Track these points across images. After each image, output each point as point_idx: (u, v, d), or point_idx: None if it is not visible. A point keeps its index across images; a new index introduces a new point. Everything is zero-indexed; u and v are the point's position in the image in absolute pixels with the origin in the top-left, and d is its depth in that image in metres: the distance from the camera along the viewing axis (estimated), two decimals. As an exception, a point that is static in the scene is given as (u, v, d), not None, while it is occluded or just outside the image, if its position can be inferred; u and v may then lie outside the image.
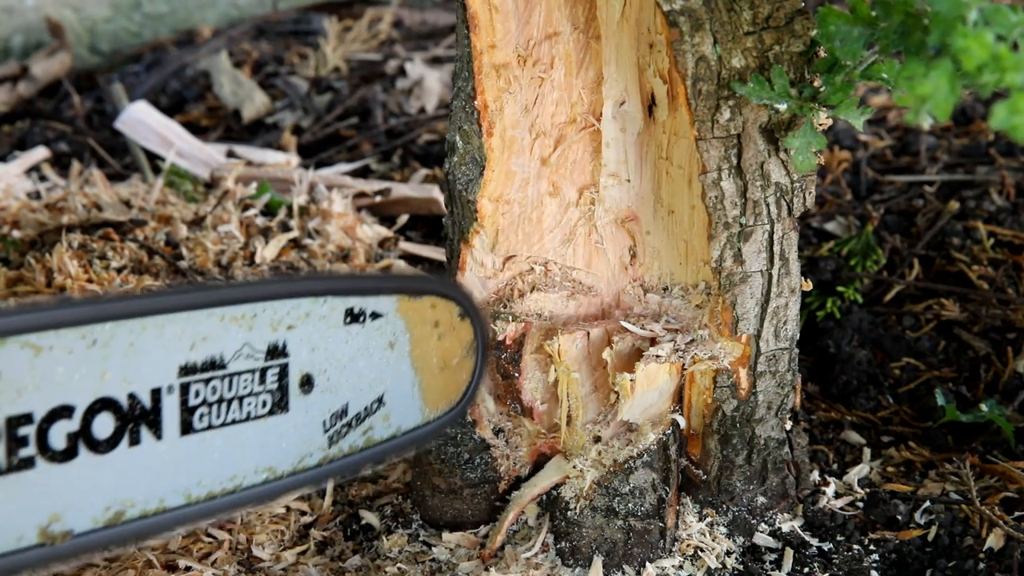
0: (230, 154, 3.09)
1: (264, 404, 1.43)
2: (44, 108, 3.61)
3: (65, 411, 1.25)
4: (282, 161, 3.06)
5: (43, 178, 2.98)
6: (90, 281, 2.22)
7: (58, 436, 1.25)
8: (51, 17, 3.93)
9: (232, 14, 4.28)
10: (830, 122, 1.63)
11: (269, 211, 2.67)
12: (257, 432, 1.43)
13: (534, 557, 1.76)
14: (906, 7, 1.34)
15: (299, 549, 1.86)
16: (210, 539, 1.86)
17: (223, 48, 3.88)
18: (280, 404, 1.46)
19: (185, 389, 1.35)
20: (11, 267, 2.38)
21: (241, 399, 1.41)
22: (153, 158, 3.10)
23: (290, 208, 2.65)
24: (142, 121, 3.10)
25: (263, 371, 1.43)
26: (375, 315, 1.55)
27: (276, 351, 1.44)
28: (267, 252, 2.46)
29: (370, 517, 1.90)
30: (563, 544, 1.77)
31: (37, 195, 2.83)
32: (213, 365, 1.37)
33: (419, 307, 1.61)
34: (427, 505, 1.87)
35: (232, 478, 1.41)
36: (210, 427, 1.38)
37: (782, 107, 1.54)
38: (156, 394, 1.32)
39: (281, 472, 1.46)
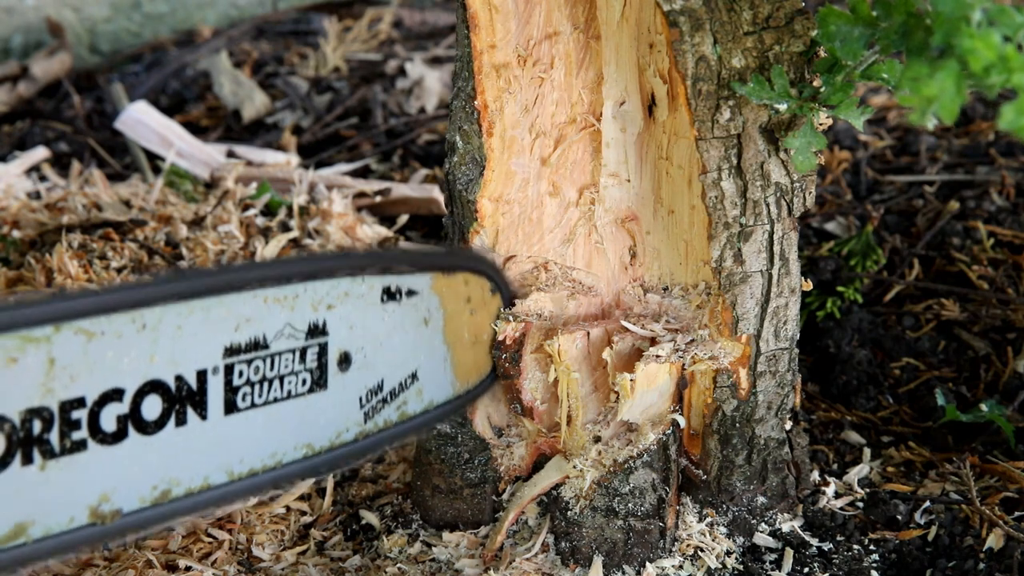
0: (230, 154, 3.09)
1: (304, 382, 1.46)
2: (44, 108, 3.61)
3: (116, 394, 1.27)
4: (282, 161, 3.06)
5: (43, 178, 2.98)
6: (90, 281, 2.22)
7: (109, 419, 1.27)
8: (51, 17, 3.93)
9: (232, 14, 4.28)
10: (830, 122, 1.63)
11: (269, 211, 2.67)
12: (297, 409, 1.46)
13: (534, 557, 1.76)
14: (907, 7, 1.34)
15: (299, 549, 1.86)
16: (210, 539, 1.86)
17: (223, 48, 3.88)
18: (319, 382, 1.48)
19: (229, 370, 1.37)
20: (11, 267, 2.38)
21: (282, 378, 1.43)
22: (153, 158, 3.10)
23: (290, 208, 2.65)
24: (142, 121, 3.10)
25: (303, 350, 1.45)
26: (411, 292, 1.57)
27: (316, 330, 1.46)
28: (267, 252, 2.46)
29: (370, 517, 1.90)
30: (563, 544, 1.77)
31: (37, 195, 2.83)
32: (256, 346, 1.39)
33: (453, 283, 1.64)
34: (427, 505, 1.87)
35: (273, 455, 1.43)
36: (252, 406, 1.40)
37: (782, 107, 1.54)
38: (202, 375, 1.34)
39: (319, 448, 1.48)
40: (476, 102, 1.65)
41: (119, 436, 1.28)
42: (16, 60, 3.89)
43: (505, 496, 1.82)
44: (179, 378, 1.32)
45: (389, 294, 1.55)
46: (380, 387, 1.56)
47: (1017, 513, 1.86)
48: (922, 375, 2.21)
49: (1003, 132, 2.94)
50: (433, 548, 1.83)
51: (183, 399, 1.33)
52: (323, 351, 1.47)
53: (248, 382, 1.39)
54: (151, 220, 2.54)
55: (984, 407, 2.04)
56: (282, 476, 1.45)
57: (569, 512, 1.75)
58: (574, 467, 1.75)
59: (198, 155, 2.98)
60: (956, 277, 2.42)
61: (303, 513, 1.94)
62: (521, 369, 1.74)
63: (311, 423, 1.48)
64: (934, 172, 2.82)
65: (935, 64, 1.24)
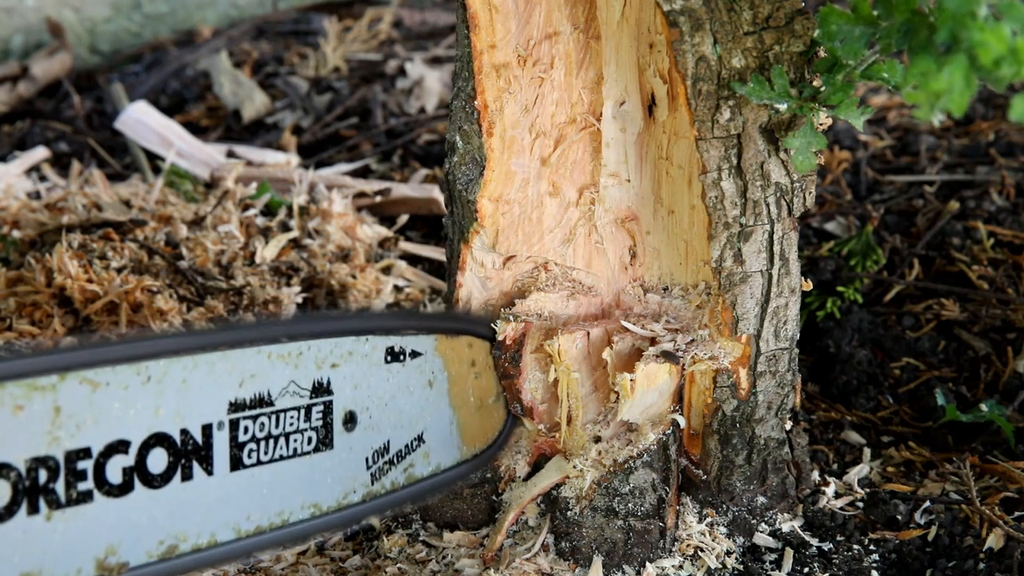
0: (230, 154, 3.09)
1: (310, 441, 1.47)
2: (44, 108, 3.61)
3: (121, 446, 1.28)
4: (282, 161, 3.05)
5: (43, 178, 2.98)
6: (90, 281, 2.22)
7: (115, 471, 1.28)
8: (51, 17, 3.93)
9: (232, 14, 4.28)
10: (830, 122, 1.63)
11: (269, 211, 2.67)
12: (303, 468, 1.46)
13: (534, 557, 1.76)
14: (909, 5, 1.33)
15: (299, 549, 1.86)
16: (210, 539, 1.86)
17: (223, 48, 3.88)
18: (325, 441, 1.49)
19: (235, 425, 1.38)
20: (11, 267, 2.38)
21: (288, 436, 1.44)
22: (153, 158, 3.10)
23: (290, 208, 2.65)
24: (142, 121, 3.10)
25: (308, 408, 1.46)
26: (415, 353, 1.59)
27: (321, 388, 1.47)
28: (267, 252, 2.46)
29: (370, 517, 1.90)
30: (563, 544, 1.77)
31: (37, 195, 2.83)
32: (261, 402, 1.40)
33: (456, 346, 1.65)
34: (427, 505, 1.86)
35: (279, 513, 1.44)
36: (259, 463, 1.41)
37: (782, 107, 1.53)
38: (207, 430, 1.35)
39: (326, 508, 1.49)
40: (476, 102, 1.65)
41: (125, 489, 1.29)
42: (16, 60, 3.89)
43: (505, 496, 1.82)
44: (185, 432, 1.33)
45: (393, 355, 1.56)
46: (386, 448, 1.57)
47: (1017, 513, 1.86)
48: (922, 375, 2.21)
49: (1004, 129, 2.94)
50: (433, 548, 1.83)
51: (189, 453, 1.34)
52: (328, 410, 1.48)
53: (254, 439, 1.40)
54: (151, 220, 2.54)
55: (984, 407, 2.04)
56: (288, 536, 1.45)
57: (569, 512, 1.75)
58: (574, 467, 1.75)
59: (198, 155, 2.98)
60: (956, 277, 2.42)
61: (303, 513, 1.94)
62: (521, 369, 1.74)
63: (318, 482, 1.48)
64: (934, 172, 2.82)
65: (942, 59, 1.24)
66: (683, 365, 1.73)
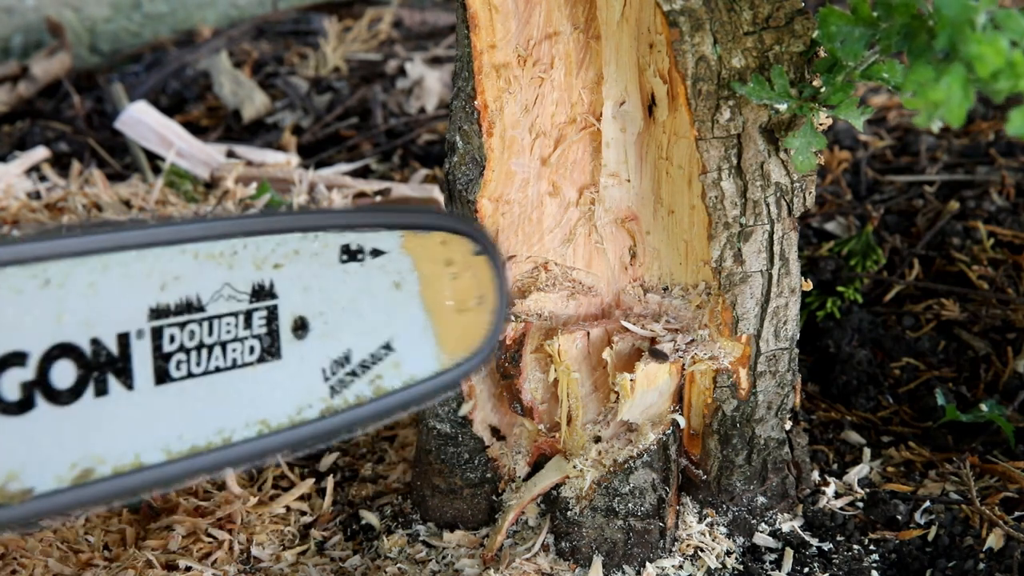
0: (230, 154, 3.09)
1: (252, 350, 1.31)
2: (44, 108, 3.61)
3: (16, 358, 1.15)
4: (282, 161, 3.05)
5: (43, 178, 2.98)
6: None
7: (11, 385, 1.15)
8: (51, 17, 3.93)
9: (232, 14, 4.28)
10: (830, 122, 1.63)
11: (269, 211, 2.67)
12: (246, 381, 1.31)
13: (534, 557, 1.76)
14: (909, 9, 1.33)
15: (299, 549, 1.86)
16: (210, 539, 1.86)
17: (223, 48, 3.88)
18: (271, 350, 1.33)
19: (158, 334, 1.23)
20: (11, 267, 2.38)
21: (225, 345, 1.29)
22: (153, 158, 3.10)
23: (290, 208, 2.65)
24: (142, 121, 3.10)
25: (248, 314, 1.30)
26: (376, 252, 1.42)
27: (262, 292, 1.32)
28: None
29: (370, 517, 1.90)
30: (563, 544, 1.77)
31: (37, 195, 2.83)
32: (189, 307, 1.26)
33: (427, 244, 1.47)
34: (427, 505, 1.87)
35: (220, 431, 1.29)
36: (190, 375, 1.26)
37: (782, 107, 1.54)
38: (124, 339, 1.21)
39: (276, 425, 1.33)
40: (476, 102, 1.65)
41: (25, 406, 1.15)
42: (16, 60, 3.89)
43: (505, 496, 1.82)
44: (96, 342, 1.19)
45: (349, 253, 1.39)
46: (347, 358, 1.40)
47: (1017, 513, 1.86)
48: (922, 375, 2.21)
49: (1011, 135, 2.95)
50: (433, 548, 1.83)
51: (103, 366, 1.19)
52: (273, 315, 1.32)
53: (182, 348, 1.25)
54: (151, 220, 2.54)
55: (984, 407, 2.04)
56: (235, 456, 1.30)
57: (569, 512, 1.75)
58: (574, 467, 1.75)
59: (198, 155, 2.98)
60: (956, 277, 2.42)
61: (303, 513, 1.94)
62: (521, 369, 1.74)
63: (265, 397, 1.32)
64: (934, 172, 2.82)
65: (940, 68, 1.24)
66: (683, 365, 1.73)
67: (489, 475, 1.82)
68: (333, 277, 1.38)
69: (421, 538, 1.85)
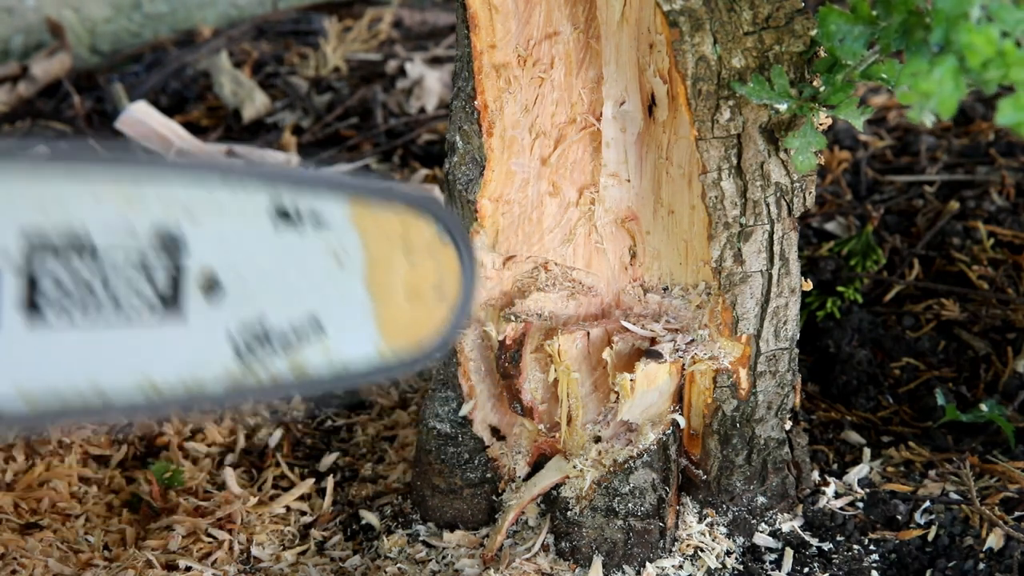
0: (230, 154, 3.09)
1: (150, 305, 1.17)
2: (44, 108, 3.61)
3: None
4: (282, 161, 3.05)
5: (43, 178, 2.98)
6: (90, 281, 2.22)
7: None
8: (51, 17, 3.93)
9: (232, 14, 4.28)
10: (830, 122, 1.62)
11: (269, 211, 2.66)
12: (137, 337, 1.17)
13: (534, 557, 1.76)
14: (907, 5, 1.34)
15: (299, 549, 1.86)
16: (210, 539, 1.86)
17: (223, 48, 3.88)
18: (171, 307, 1.18)
19: (32, 267, 1.09)
20: (11, 267, 2.38)
21: (116, 293, 1.15)
22: (153, 158, 3.09)
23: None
24: (142, 121, 3.10)
25: (149, 263, 1.17)
26: (316, 219, 1.26)
27: (170, 241, 1.18)
28: (267, 252, 2.45)
29: (370, 517, 1.90)
30: (563, 544, 1.77)
31: (37, 195, 2.82)
32: (78, 246, 1.12)
33: (381, 220, 1.31)
34: (427, 505, 1.87)
35: (98, 392, 1.15)
36: (70, 321, 1.13)
37: (782, 107, 1.53)
38: None
39: (169, 391, 1.19)
40: (476, 102, 1.65)
41: None
42: (16, 60, 3.89)
43: (505, 496, 1.82)
44: None
45: (283, 215, 1.24)
46: (265, 331, 1.25)
47: (1017, 513, 1.86)
48: (922, 375, 2.21)
49: (1003, 128, 2.94)
50: (433, 548, 1.83)
51: None
52: (179, 269, 1.18)
53: (63, 288, 1.11)
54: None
55: (984, 407, 2.04)
56: (113, 416, 1.19)
57: (569, 512, 1.75)
58: (574, 467, 1.75)
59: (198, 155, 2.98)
60: (956, 277, 2.42)
61: (303, 513, 1.94)
62: (521, 369, 1.74)
63: (158, 357, 1.19)
64: (934, 172, 2.82)
65: (934, 60, 1.24)
66: (683, 365, 1.73)
67: (489, 475, 1.82)
68: (260, 238, 1.23)
69: (421, 538, 1.85)
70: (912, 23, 1.33)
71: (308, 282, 1.27)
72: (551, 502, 1.79)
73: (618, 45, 1.66)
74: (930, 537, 1.83)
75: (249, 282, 1.22)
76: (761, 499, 1.85)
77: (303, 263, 1.26)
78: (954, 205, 2.59)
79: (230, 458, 2.07)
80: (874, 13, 1.40)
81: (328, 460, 2.06)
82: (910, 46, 1.33)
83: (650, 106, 1.69)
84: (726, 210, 1.65)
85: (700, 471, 1.82)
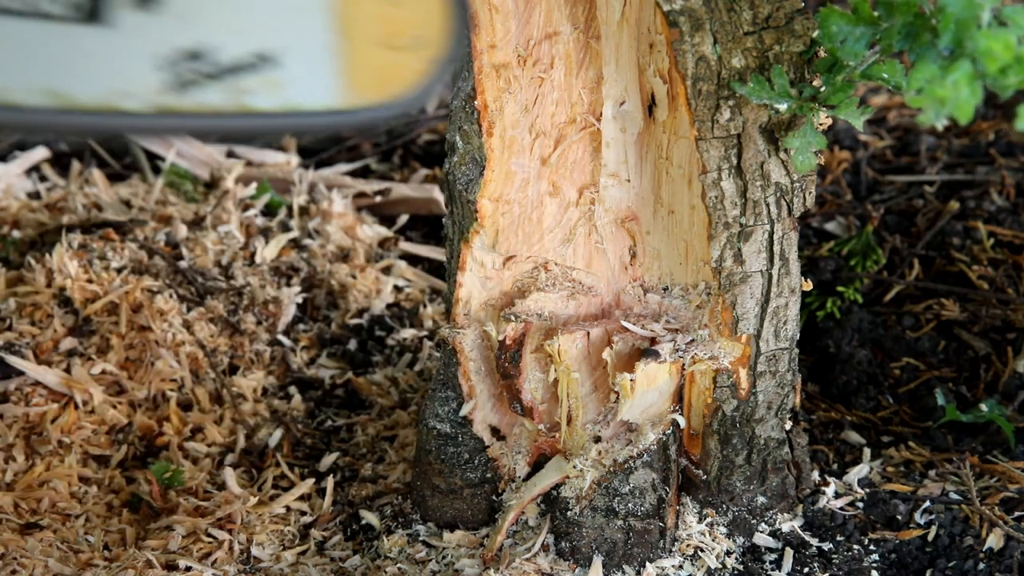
0: (230, 154, 3.09)
1: (72, 5, 1.05)
2: (44, 108, 3.61)
3: None
4: (282, 161, 3.05)
5: (43, 178, 2.98)
6: (90, 281, 2.22)
7: None
8: (51, 17, 3.93)
9: (232, 14, 4.27)
10: (830, 122, 1.62)
11: (269, 211, 2.67)
12: (50, 38, 1.05)
13: (534, 557, 1.76)
14: (911, 8, 1.33)
15: (299, 549, 1.86)
16: (210, 539, 1.86)
17: (223, 48, 3.88)
18: (94, 11, 1.06)
19: None
20: (11, 267, 2.38)
21: None
22: (153, 158, 3.09)
23: (290, 208, 2.65)
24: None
25: None
26: None
27: None
28: (267, 252, 2.46)
29: (370, 517, 1.90)
30: (563, 544, 1.77)
31: (37, 195, 2.83)
32: None
33: None
34: (427, 505, 1.87)
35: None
36: None
37: (782, 107, 1.53)
38: None
39: (79, 104, 1.08)
40: (476, 102, 1.65)
41: None
42: (16, 60, 3.88)
43: (505, 496, 1.82)
44: None
45: None
46: (202, 53, 1.13)
47: (1017, 513, 1.86)
48: (922, 375, 2.21)
49: (1004, 129, 2.94)
50: (433, 548, 1.83)
51: None
52: None
53: None
54: (151, 220, 2.54)
55: (984, 407, 2.04)
56: (17, 122, 1.07)
57: (569, 512, 1.75)
58: (574, 467, 1.75)
59: (198, 155, 2.98)
60: (956, 277, 2.42)
61: (303, 513, 1.94)
62: (521, 369, 1.74)
63: (70, 65, 1.07)
64: (934, 172, 2.82)
65: (946, 65, 1.24)
66: (683, 365, 1.73)
67: (489, 475, 1.82)
68: None
69: (421, 538, 1.85)
70: (917, 26, 1.33)
71: (267, 13, 1.16)
72: (551, 502, 1.79)
73: (618, 45, 1.66)
74: (930, 537, 1.83)
75: (193, 4, 1.11)
76: (761, 499, 1.85)
77: None
78: (954, 205, 2.59)
79: (230, 458, 2.07)
80: (875, 14, 1.40)
81: (328, 460, 2.06)
82: (916, 49, 1.33)
83: (650, 106, 1.69)
84: (726, 210, 1.65)
85: (700, 471, 1.82)
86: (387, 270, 2.56)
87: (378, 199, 2.80)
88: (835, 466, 2.01)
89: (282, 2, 1.15)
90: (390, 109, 1.22)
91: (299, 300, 2.38)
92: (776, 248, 1.70)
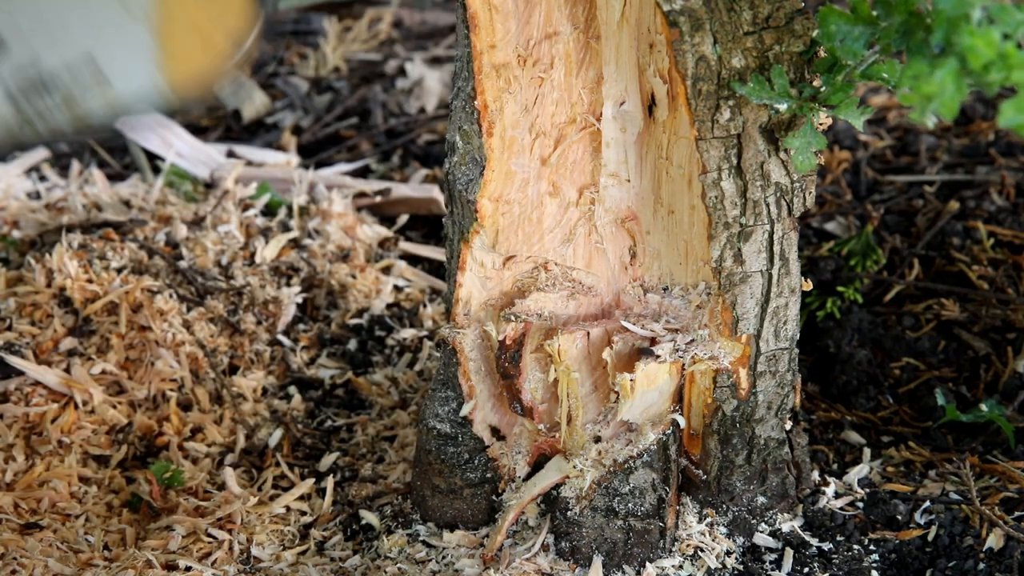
0: (230, 154, 3.09)
1: None
2: (44, 108, 3.61)
3: None
4: (282, 161, 3.05)
5: (43, 178, 2.98)
6: (90, 281, 2.22)
7: None
8: (51, 17, 3.93)
9: (232, 14, 4.27)
10: (830, 122, 1.63)
11: (269, 211, 2.67)
12: None
13: (534, 557, 1.76)
14: (908, 6, 1.34)
15: (299, 549, 1.86)
16: (210, 539, 1.86)
17: (223, 48, 3.88)
18: None
19: None
20: (11, 267, 2.38)
21: None
22: (153, 158, 3.10)
23: (290, 208, 2.65)
24: (142, 121, 3.10)
25: None
26: None
27: None
28: (267, 252, 2.46)
29: (370, 517, 1.90)
30: (563, 544, 1.77)
31: (37, 195, 2.83)
32: None
33: None
34: (427, 505, 1.87)
35: None
36: None
37: (782, 107, 1.53)
38: None
39: None
40: (476, 102, 1.65)
41: None
42: (16, 60, 3.89)
43: (505, 496, 1.82)
44: None
45: None
46: (38, 73, 1.17)
47: (1017, 513, 1.86)
48: (922, 375, 2.21)
49: (1003, 129, 2.94)
50: (433, 548, 1.83)
51: None
52: None
53: None
54: (151, 220, 2.54)
55: (984, 407, 2.04)
56: None
57: (569, 512, 1.75)
58: (574, 467, 1.75)
59: (198, 155, 2.98)
60: (956, 277, 2.42)
61: (303, 513, 1.94)
62: (521, 369, 1.74)
63: None
64: (934, 172, 2.82)
65: (935, 62, 1.24)
66: (683, 365, 1.73)
67: (489, 475, 1.82)
68: None
69: (421, 538, 1.85)
70: (912, 24, 1.33)
71: (87, 23, 1.19)
72: (551, 502, 1.79)
73: (618, 45, 1.66)
74: (930, 537, 1.83)
75: (24, 27, 1.14)
76: (761, 499, 1.85)
77: (85, 4, 1.18)
78: (954, 205, 2.59)
79: (230, 458, 2.07)
80: (874, 14, 1.40)
81: (328, 460, 2.06)
82: (910, 47, 1.33)
83: (650, 106, 1.69)
84: (726, 210, 1.65)
85: (700, 471, 1.82)
86: (387, 270, 2.56)
87: (378, 199, 2.80)
88: (835, 466, 2.02)
89: (103, 14, 1.21)
90: (203, 94, 1.35)
91: (299, 300, 2.38)
92: (776, 248, 1.70)
